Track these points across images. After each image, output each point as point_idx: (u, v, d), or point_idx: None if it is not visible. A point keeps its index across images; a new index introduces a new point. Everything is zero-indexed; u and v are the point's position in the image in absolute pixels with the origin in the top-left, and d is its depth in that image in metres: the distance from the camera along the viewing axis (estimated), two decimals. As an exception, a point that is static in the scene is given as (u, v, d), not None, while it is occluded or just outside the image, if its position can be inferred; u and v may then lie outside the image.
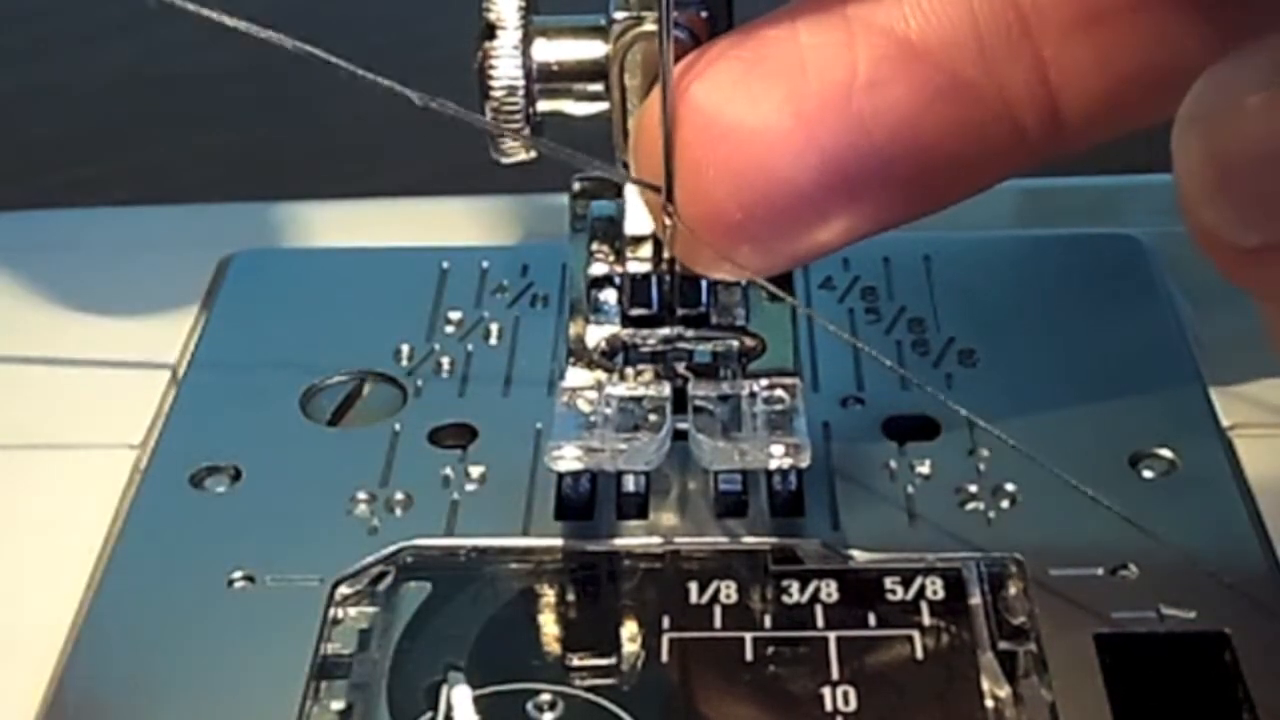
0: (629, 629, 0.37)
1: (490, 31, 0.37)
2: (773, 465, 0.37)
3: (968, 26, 0.35)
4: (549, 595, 0.38)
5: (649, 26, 0.37)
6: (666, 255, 0.40)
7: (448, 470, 0.41)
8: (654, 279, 0.40)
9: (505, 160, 0.39)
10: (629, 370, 0.39)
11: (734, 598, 0.37)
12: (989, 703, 0.35)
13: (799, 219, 0.36)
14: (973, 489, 0.40)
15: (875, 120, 0.35)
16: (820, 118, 0.35)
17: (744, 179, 0.35)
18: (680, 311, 0.40)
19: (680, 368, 0.40)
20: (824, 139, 0.35)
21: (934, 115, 0.35)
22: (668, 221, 0.39)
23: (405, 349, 0.44)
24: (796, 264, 0.38)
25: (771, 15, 0.36)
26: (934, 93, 0.35)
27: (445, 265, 0.47)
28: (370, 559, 0.38)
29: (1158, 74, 0.34)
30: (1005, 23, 0.35)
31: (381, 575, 0.38)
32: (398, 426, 0.42)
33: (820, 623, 0.37)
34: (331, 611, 0.37)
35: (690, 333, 0.40)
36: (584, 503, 0.40)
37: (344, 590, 0.38)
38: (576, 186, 0.42)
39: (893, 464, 0.40)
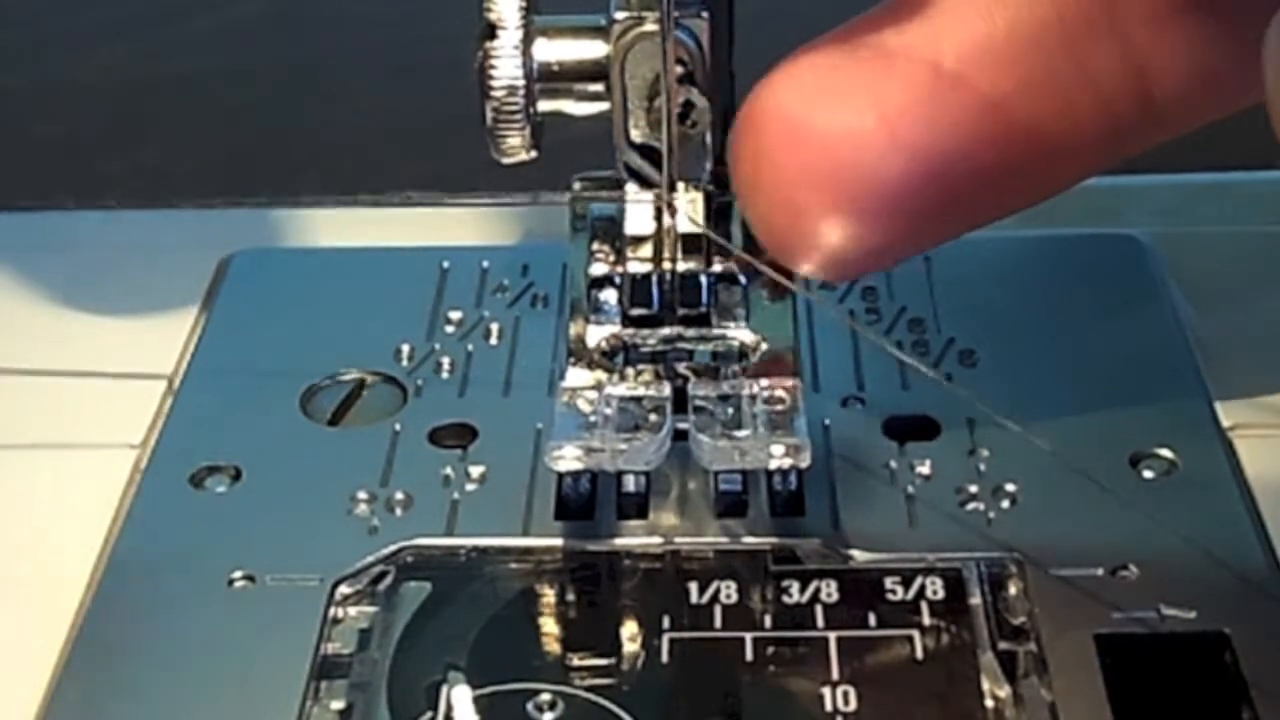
0: (629, 629, 0.37)
1: (491, 31, 0.37)
2: (773, 465, 0.37)
3: (1053, 17, 0.35)
4: (549, 595, 0.38)
5: (649, 26, 0.37)
6: (667, 255, 0.40)
7: (448, 470, 0.41)
8: (654, 279, 0.40)
9: (505, 160, 0.39)
10: (629, 370, 0.39)
11: (734, 598, 0.37)
12: (989, 703, 0.35)
13: (887, 219, 0.36)
14: (973, 489, 0.40)
15: (963, 115, 0.35)
16: (905, 116, 0.35)
17: (830, 181, 0.35)
18: (680, 311, 0.40)
19: (680, 368, 0.40)
20: (910, 137, 0.35)
21: (1022, 108, 0.35)
22: (667, 220, 0.39)
23: (405, 349, 0.44)
24: (888, 265, 0.37)
25: (853, 21, 0.36)
26: (1021, 85, 0.35)
27: (445, 265, 0.47)
28: (370, 559, 0.38)
29: (1249, 54, 0.34)
30: (1092, 11, 0.35)
31: (381, 575, 0.38)
32: (398, 426, 0.42)
33: (820, 623, 0.37)
34: (331, 611, 0.37)
35: (690, 333, 0.40)
36: (584, 503, 0.40)
37: (344, 590, 0.38)
38: (577, 186, 0.42)
39: (893, 464, 0.40)
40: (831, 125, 0.35)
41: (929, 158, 0.35)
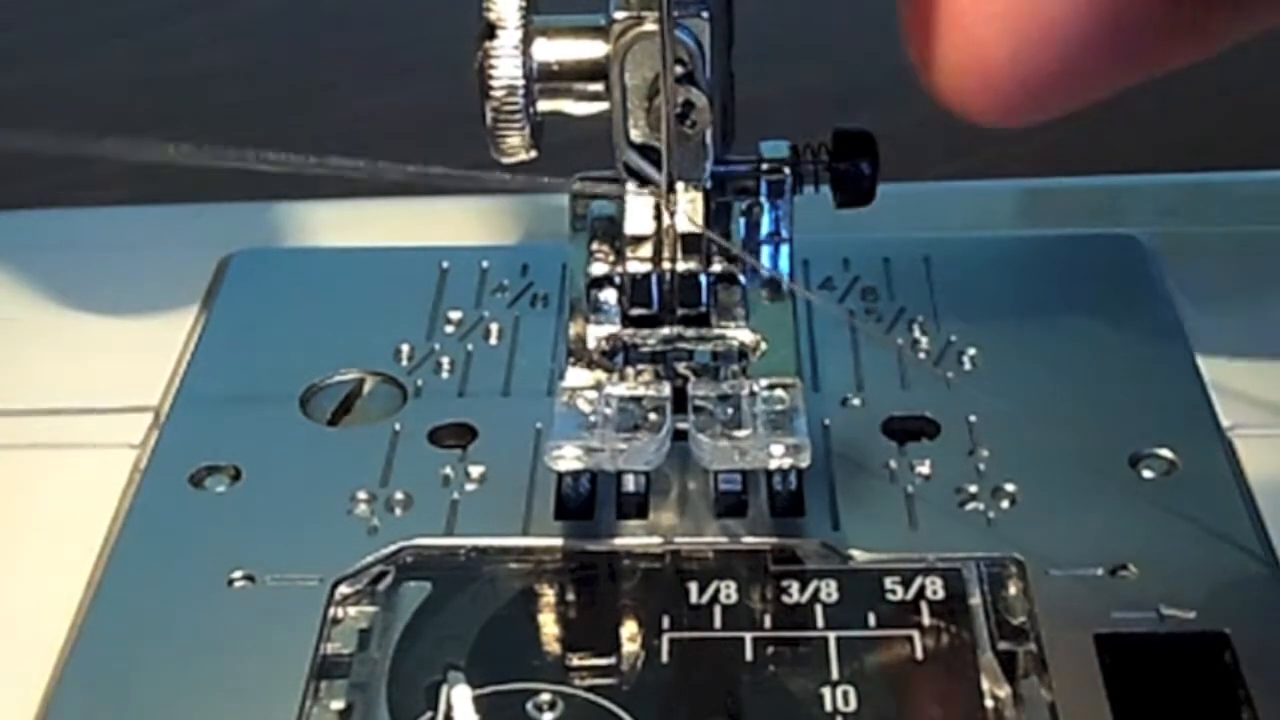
0: (629, 629, 0.37)
1: (490, 31, 0.37)
2: (773, 465, 0.37)
3: None
4: (549, 595, 0.38)
5: (649, 26, 0.37)
6: (666, 255, 0.40)
7: (448, 470, 0.41)
8: (654, 279, 0.40)
9: (505, 160, 0.39)
10: (629, 370, 0.39)
11: (734, 598, 0.37)
12: (989, 703, 0.35)
13: (1069, 59, 0.35)
14: (973, 489, 0.40)
15: None
16: None
17: (1012, 23, 0.34)
18: (680, 311, 0.40)
19: (680, 368, 0.40)
20: None
21: None
22: (667, 220, 0.39)
23: (405, 349, 0.44)
24: (1072, 107, 0.37)
25: None
26: None
27: (445, 265, 0.47)
28: (370, 559, 0.38)
29: None
30: None
31: (381, 575, 0.38)
32: (398, 426, 0.42)
33: (820, 623, 0.37)
34: (331, 611, 0.37)
35: (690, 333, 0.40)
36: (584, 503, 0.40)
37: (344, 590, 0.38)
38: (577, 186, 0.42)
39: (893, 464, 0.40)
40: None
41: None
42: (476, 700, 0.35)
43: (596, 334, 0.40)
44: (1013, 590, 0.37)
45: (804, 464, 0.37)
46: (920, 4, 0.35)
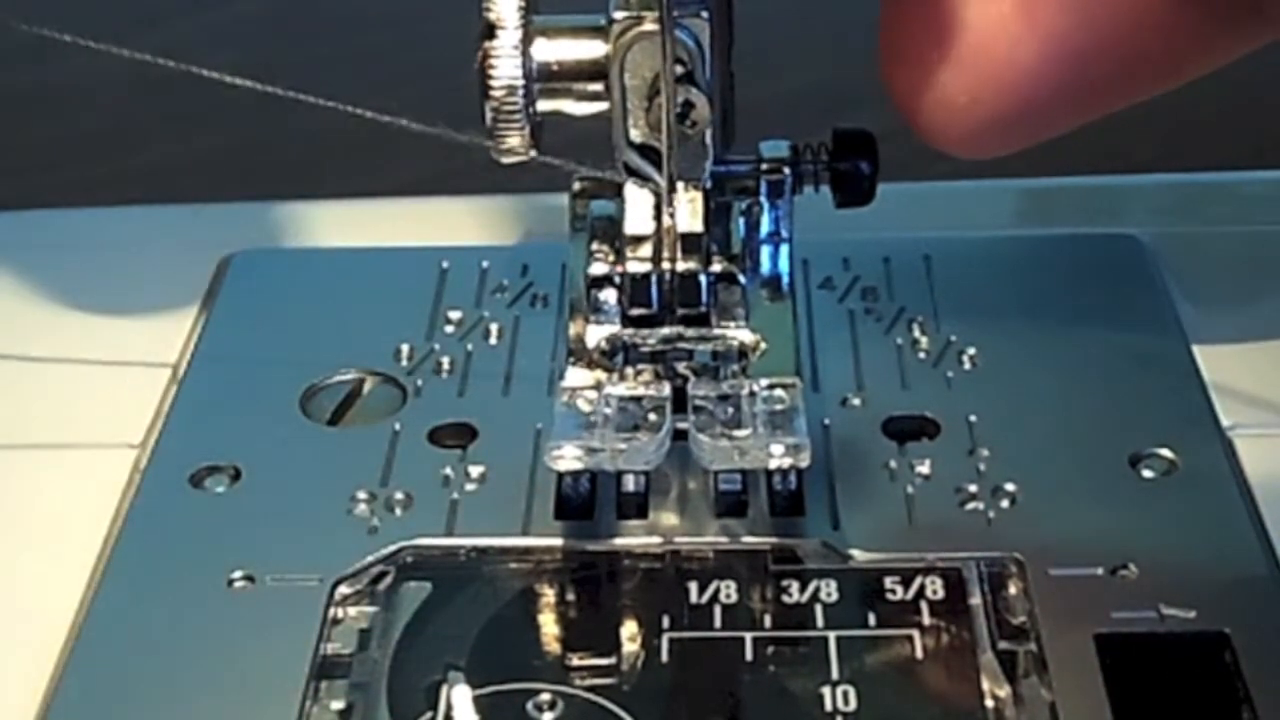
0: (629, 629, 0.37)
1: (490, 31, 0.37)
2: (773, 465, 0.37)
3: None
4: (549, 595, 0.38)
5: (649, 26, 0.37)
6: (666, 255, 0.40)
7: (448, 470, 0.41)
8: (654, 279, 0.40)
9: (505, 160, 0.39)
10: (629, 370, 0.39)
11: (734, 598, 0.37)
12: (989, 703, 0.35)
13: (1023, 101, 0.36)
14: (973, 489, 0.40)
15: (1098, 2, 0.36)
16: (1042, 2, 0.36)
17: (967, 66, 0.36)
18: (680, 311, 0.40)
19: (680, 367, 0.40)
20: (1045, 21, 0.36)
21: None
22: (666, 222, 0.39)
23: (405, 349, 0.44)
24: (1026, 144, 0.38)
25: None
26: None
27: (445, 265, 0.47)
28: (370, 559, 0.38)
29: None
30: None
31: (381, 575, 0.38)
32: (398, 426, 0.42)
33: (820, 623, 0.37)
34: (331, 611, 0.37)
35: (690, 332, 0.40)
36: (584, 503, 0.40)
37: (344, 590, 0.38)
38: (576, 186, 0.42)
39: (893, 464, 0.40)
40: (969, 12, 0.36)
41: (1063, 43, 0.35)
42: (476, 700, 0.35)
43: (596, 334, 0.40)
44: (1013, 590, 0.37)
45: (804, 464, 0.37)
46: (895, 45, 0.37)
